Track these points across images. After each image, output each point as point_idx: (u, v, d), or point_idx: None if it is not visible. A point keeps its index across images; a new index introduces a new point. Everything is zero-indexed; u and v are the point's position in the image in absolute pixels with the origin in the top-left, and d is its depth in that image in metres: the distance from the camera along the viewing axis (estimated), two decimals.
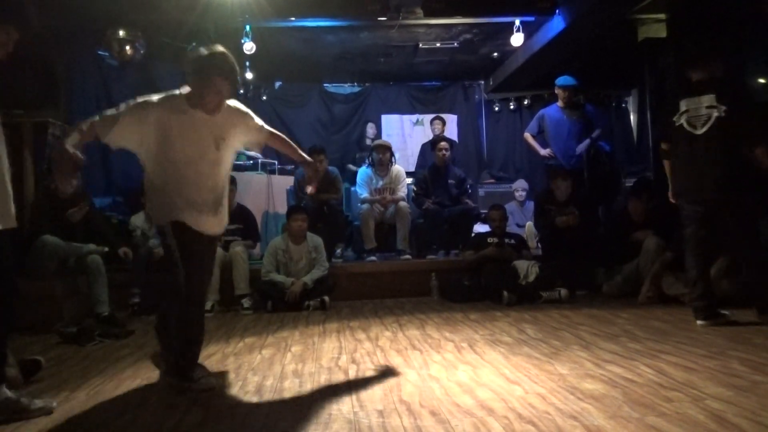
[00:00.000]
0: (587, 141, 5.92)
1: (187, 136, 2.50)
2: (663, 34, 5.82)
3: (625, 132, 8.72)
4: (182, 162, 2.49)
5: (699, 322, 3.46)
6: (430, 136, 7.46)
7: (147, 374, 2.78)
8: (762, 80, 5.06)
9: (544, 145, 6.11)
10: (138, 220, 5.10)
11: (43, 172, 4.95)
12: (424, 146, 7.69)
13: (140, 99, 2.51)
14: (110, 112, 2.43)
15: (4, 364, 2.23)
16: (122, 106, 2.45)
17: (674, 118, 3.55)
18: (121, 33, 5.74)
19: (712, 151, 3.40)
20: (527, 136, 6.19)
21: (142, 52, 5.89)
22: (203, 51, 2.51)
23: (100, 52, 6.24)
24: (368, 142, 7.62)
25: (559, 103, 6.00)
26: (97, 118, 2.42)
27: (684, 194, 3.60)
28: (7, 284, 2.22)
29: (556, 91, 6.00)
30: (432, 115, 7.93)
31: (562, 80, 5.95)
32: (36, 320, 4.12)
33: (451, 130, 8.32)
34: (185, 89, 2.55)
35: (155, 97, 2.51)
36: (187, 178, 2.50)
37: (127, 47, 5.76)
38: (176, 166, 2.49)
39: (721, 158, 3.38)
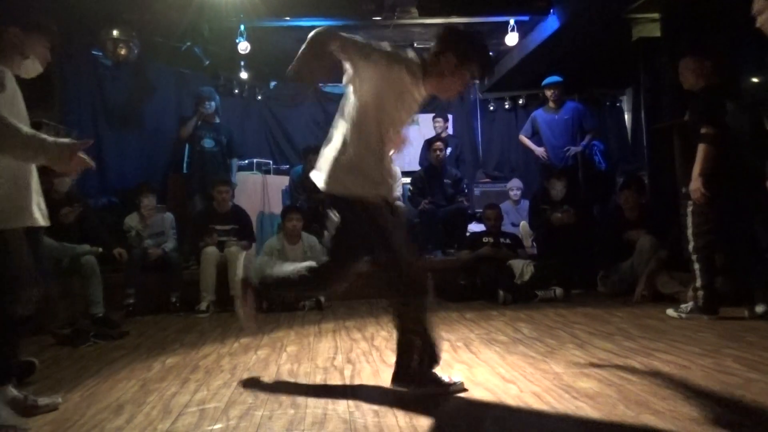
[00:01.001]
0: (579, 147, 6.06)
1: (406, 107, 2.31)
2: (657, 33, 5.84)
3: (619, 131, 8.72)
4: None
5: (706, 317, 3.56)
6: (426, 135, 7.44)
7: (142, 375, 2.77)
8: (755, 80, 5.07)
9: (539, 146, 6.23)
10: (132, 220, 5.08)
11: (38, 172, 4.92)
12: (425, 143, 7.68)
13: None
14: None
15: (11, 366, 2.25)
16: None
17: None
18: (115, 33, 5.71)
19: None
20: (522, 138, 6.35)
21: (136, 51, 5.87)
22: (473, 32, 2.33)
23: (94, 52, 6.21)
24: None
25: (550, 104, 6.14)
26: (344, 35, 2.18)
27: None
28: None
29: (546, 92, 6.15)
30: (430, 114, 7.92)
31: (549, 79, 6.11)
32: (30, 321, 4.10)
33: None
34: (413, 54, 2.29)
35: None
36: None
37: (121, 47, 5.73)
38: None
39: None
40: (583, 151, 6.18)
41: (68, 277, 4.35)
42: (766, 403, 1.94)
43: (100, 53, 6.07)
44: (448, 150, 7.16)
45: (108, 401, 2.35)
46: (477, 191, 7.48)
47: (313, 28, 2.28)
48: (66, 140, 2.08)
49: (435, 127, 7.34)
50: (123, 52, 5.76)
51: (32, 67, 2.52)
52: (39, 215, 2.36)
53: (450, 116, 8.75)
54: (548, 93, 6.14)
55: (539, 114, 6.28)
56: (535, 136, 6.29)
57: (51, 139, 2.07)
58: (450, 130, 7.57)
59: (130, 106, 6.57)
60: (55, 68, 5.60)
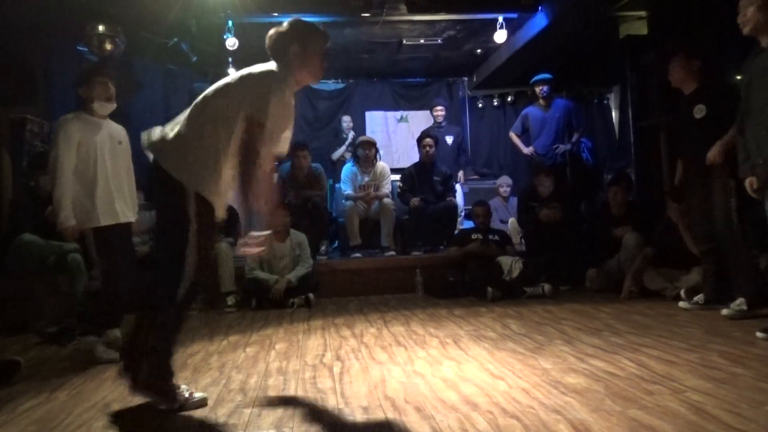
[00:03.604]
0: (568, 146, 6.08)
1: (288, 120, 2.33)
2: (644, 31, 5.89)
3: (606, 128, 8.78)
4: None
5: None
6: (415, 133, 7.43)
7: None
8: (740, 78, 5.13)
9: (528, 144, 6.26)
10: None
11: (23, 169, 4.86)
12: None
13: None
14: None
15: (119, 314, 3.12)
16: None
17: None
18: (101, 28, 5.63)
19: None
20: (512, 135, 6.39)
21: (122, 47, 5.80)
22: (289, 21, 2.32)
23: (79, 48, 6.14)
24: (343, 135, 7.60)
25: (540, 101, 6.18)
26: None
27: None
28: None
29: (535, 89, 6.19)
30: (419, 111, 7.88)
31: (536, 77, 6.17)
32: (15, 320, 4.05)
33: None
34: (272, 65, 2.27)
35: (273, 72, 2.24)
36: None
37: (107, 42, 5.66)
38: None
39: None
40: (571, 149, 6.23)
41: (54, 275, 4.30)
42: (751, 397, 1.97)
43: (86, 49, 5.99)
44: (450, 138, 7.15)
45: (95, 400, 2.33)
46: (466, 188, 7.49)
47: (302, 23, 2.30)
48: None
49: (435, 117, 7.25)
50: (109, 47, 5.69)
51: (101, 108, 3.33)
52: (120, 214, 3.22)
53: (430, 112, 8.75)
54: (537, 90, 6.20)
55: (530, 111, 6.32)
56: (525, 133, 6.33)
57: None
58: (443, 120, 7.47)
59: (116, 102, 6.50)
60: (40, 64, 5.54)
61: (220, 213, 2.27)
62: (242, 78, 2.21)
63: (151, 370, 2.12)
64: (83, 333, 3.66)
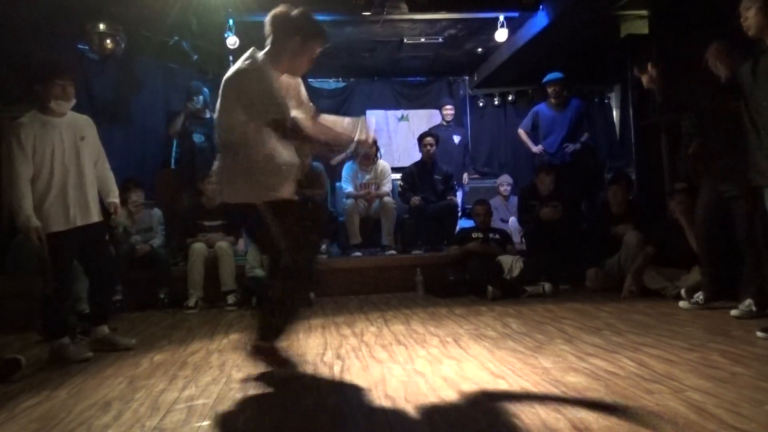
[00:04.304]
0: (577, 145, 6.05)
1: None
2: (645, 30, 5.88)
3: (607, 128, 8.78)
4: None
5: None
6: (416, 132, 7.43)
7: (129, 372, 2.75)
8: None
9: (537, 142, 6.23)
10: (120, 216, 5.03)
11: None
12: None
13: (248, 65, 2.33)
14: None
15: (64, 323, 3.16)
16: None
17: None
18: (102, 26, 5.64)
19: None
20: (521, 132, 6.36)
21: (123, 45, 5.80)
22: (301, 11, 2.38)
23: (80, 46, 6.13)
24: None
25: (551, 100, 6.13)
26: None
27: None
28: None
29: (548, 89, 6.14)
30: (420, 110, 7.88)
31: (550, 75, 6.10)
32: (16, 318, 4.06)
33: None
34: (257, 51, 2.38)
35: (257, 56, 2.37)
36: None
37: (108, 41, 5.66)
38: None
39: None
40: (580, 148, 6.20)
41: None
42: (751, 396, 1.97)
43: (87, 47, 5.99)
44: (458, 138, 7.19)
45: (95, 398, 2.34)
46: (466, 187, 7.49)
47: None
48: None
49: (444, 115, 7.31)
50: (110, 46, 5.69)
51: (58, 106, 3.12)
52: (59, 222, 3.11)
53: (439, 112, 8.76)
54: (550, 90, 6.13)
55: (541, 109, 6.23)
56: (534, 131, 6.29)
57: None
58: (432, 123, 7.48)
59: (117, 101, 6.49)
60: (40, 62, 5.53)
61: (295, 184, 2.47)
62: (224, 90, 2.36)
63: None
64: (84, 332, 3.67)
